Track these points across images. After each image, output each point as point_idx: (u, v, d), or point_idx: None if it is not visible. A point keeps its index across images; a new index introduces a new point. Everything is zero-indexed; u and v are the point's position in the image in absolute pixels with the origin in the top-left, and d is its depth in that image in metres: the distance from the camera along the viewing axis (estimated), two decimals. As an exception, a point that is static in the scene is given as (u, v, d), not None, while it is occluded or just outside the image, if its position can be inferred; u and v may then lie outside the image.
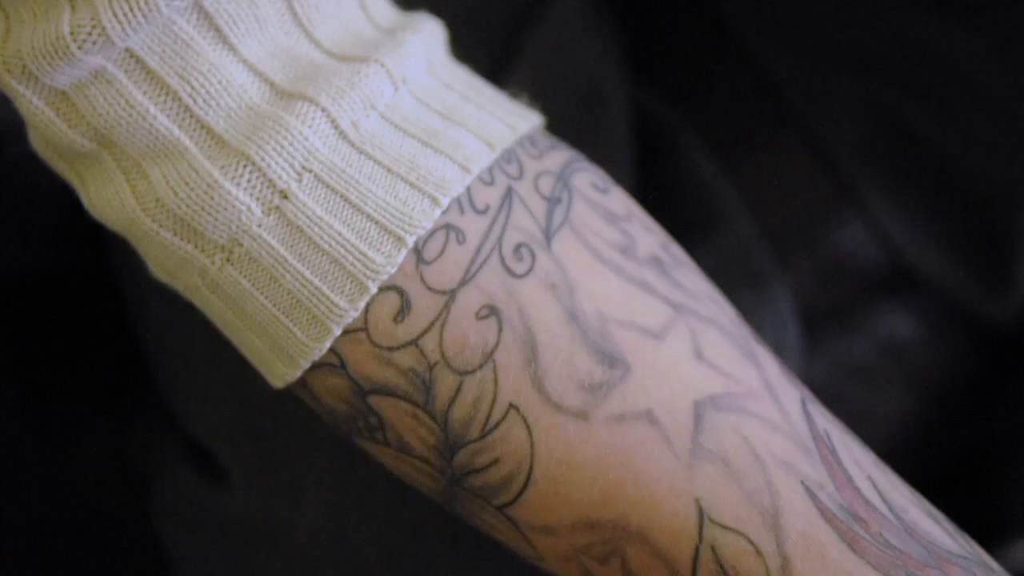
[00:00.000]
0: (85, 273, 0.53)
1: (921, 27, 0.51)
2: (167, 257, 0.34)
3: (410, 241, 0.33)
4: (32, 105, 0.33)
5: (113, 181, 0.34)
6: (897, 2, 0.51)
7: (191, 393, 0.47)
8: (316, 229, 0.33)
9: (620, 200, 0.36)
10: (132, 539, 0.54)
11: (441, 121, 0.35)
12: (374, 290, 0.33)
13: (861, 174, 0.54)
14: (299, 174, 0.33)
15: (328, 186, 0.33)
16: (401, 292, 0.33)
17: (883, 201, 0.54)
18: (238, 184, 0.33)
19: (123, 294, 0.51)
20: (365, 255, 0.33)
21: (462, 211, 0.33)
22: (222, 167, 0.33)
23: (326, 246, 0.33)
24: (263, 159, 0.33)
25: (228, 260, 0.34)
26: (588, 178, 0.36)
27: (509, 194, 0.34)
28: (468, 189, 0.33)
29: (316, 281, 0.33)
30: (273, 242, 0.33)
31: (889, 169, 0.54)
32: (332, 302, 0.33)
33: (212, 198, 0.33)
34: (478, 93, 0.36)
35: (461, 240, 0.33)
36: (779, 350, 0.51)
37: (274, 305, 0.34)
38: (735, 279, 0.52)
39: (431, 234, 0.33)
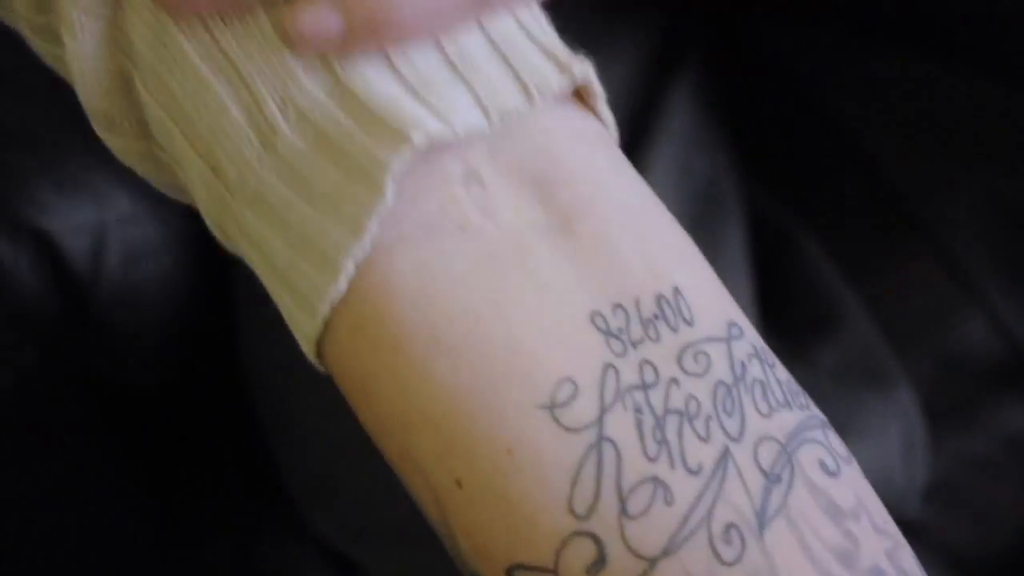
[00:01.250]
0: (209, 381, 0.52)
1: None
2: (208, 196, 0.32)
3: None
4: None
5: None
6: (1011, 91, 0.50)
7: (323, 495, 0.45)
8: (306, 165, 0.30)
9: (850, 487, 0.30)
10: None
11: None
12: (385, 191, 0.29)
13: (981, 269, 0.52)
14: (283, 105, 0.30)
15: (310, 121, 0.30)
16: (599, 542, 0.29)
17: (1003, 294, 0.53)
18: (239, 106, 0.31)
19: (250, 397, 0.50)
20: (369, 150, 0.29)
21: (672, 465, 0.28)
22: (228, 84, 0.31)
23: (318, 184, 0.30)
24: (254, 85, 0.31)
25: (245, 201, 0.31)
26: (817, 455, 0.30)
27: (725, 458, 0.29)
28: (680, 439, 0.29)
29: (318, 216, 0.30)
30: (272, 179, 0.31)
31: (1008, 261, 0.53)
32: (334, 237, 0.30)
33: (221, 123, 0.31)
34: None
35: (669, 500, 0.28)
36: (906, 448, 0.52)
37: (288, 246, 0.31)
38: (857, 379, 0.52)
39: (638, 485, 0.28)
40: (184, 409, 0.54)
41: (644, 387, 0.29)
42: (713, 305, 0.31)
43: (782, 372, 0.31)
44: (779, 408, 0.30)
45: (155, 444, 0.54)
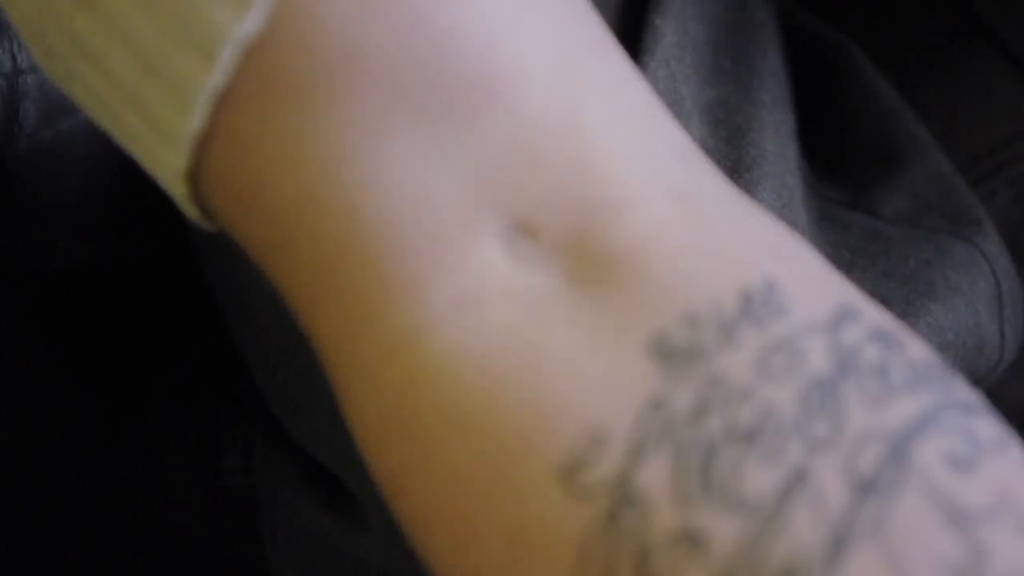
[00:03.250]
0: (156, 262, 0.48)
1: None
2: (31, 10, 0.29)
3: None
4: None
5: None
6: None
7: (310, 408, 0.41)
8: None
9: (991, 481, 0.26)
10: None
11: None
12: None
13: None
14: None
15: None
16: None
17: None
18: None
19: (206, 280, 0.46)
20: None
21: (717, 507, 0.25)
22: None
23: None
24: None
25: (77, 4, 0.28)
26: (945, 445, 0.26)
27: (799, 478, 0.25)
28: (738, 469, 0.25)
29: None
30: None
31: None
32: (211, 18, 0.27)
33: None
34: None
35: (704, 555, 0.25)
36: (997, 302, 0.46)
37: (138, 54, 0.27)
38: (934, 224, 0.46)
39: (665, 545, 0.25)
40: (128, 296, 0.49)
41: (700, 414, 0.26)
42: (817, 288, 0.28)
43: (918, 350, 0.27)
44: (899, 394, 0.26)
45: (96, 339, 0.49)
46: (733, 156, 0.44)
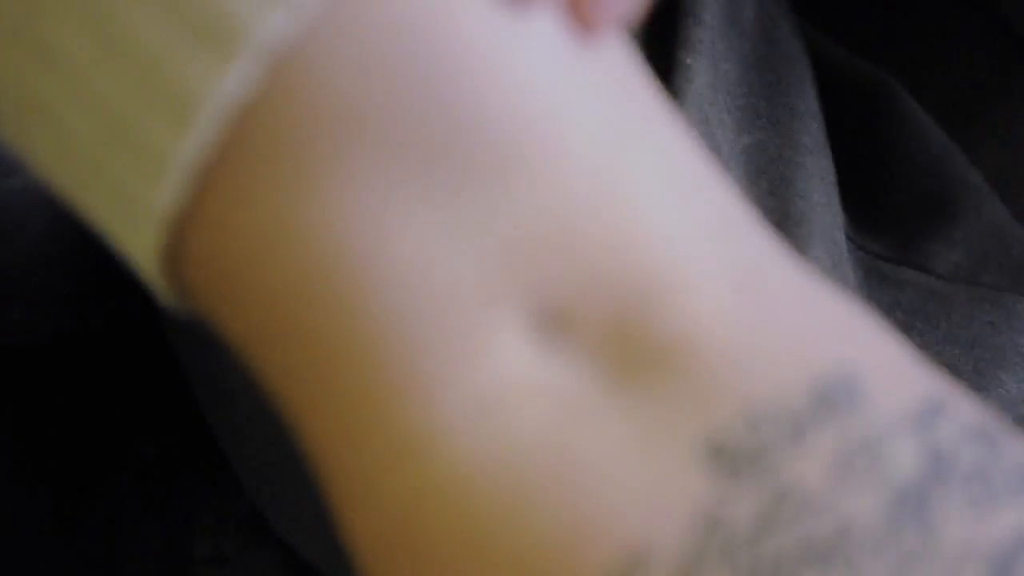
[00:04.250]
0: (121, 332, 0.45)
1: None
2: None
3: None
4: None
5: None
6: None
7: (294, 497, 0.39)
8: None
9: None
10: None
11: None
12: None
13: None
14: None
15: None
16: None
17: None
18: None
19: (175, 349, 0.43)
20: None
21: None
22: None
23: None
24: None
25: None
26: None
27: None
28: None
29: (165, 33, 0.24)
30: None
31: None
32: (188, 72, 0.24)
33: None
34: None
35: None
36: None
37: (103, 117, 0.24)
38: (995, 281, 0.44)
39: None
40: (88, 368, 0.46)
41: (762, 531, 0.24)
42: (898, 380, 0.25)
43: (1018, 449, 0.26)
44: (1002, 503, 0.24)
45: (50, 413, 0.46)
46: (779, 209, 0.42)
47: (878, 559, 0.23)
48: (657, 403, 0.25)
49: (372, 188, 0.24)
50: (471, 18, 0.24)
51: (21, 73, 0.25)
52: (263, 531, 0.42)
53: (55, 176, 0.27)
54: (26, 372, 0.45)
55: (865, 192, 0.46)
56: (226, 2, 0.23)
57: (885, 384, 0.25)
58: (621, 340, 0.25)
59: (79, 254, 0.43)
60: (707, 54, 0.42)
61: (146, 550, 0.47)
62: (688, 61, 0.41)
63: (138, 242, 0.26)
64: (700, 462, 0.24)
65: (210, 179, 0.24)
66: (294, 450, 0.34)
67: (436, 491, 0.24)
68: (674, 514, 0.24)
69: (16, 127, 0.26)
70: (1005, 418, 0.40)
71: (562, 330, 0.25)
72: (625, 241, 0.25)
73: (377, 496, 0.25)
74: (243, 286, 0.25)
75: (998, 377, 0.42)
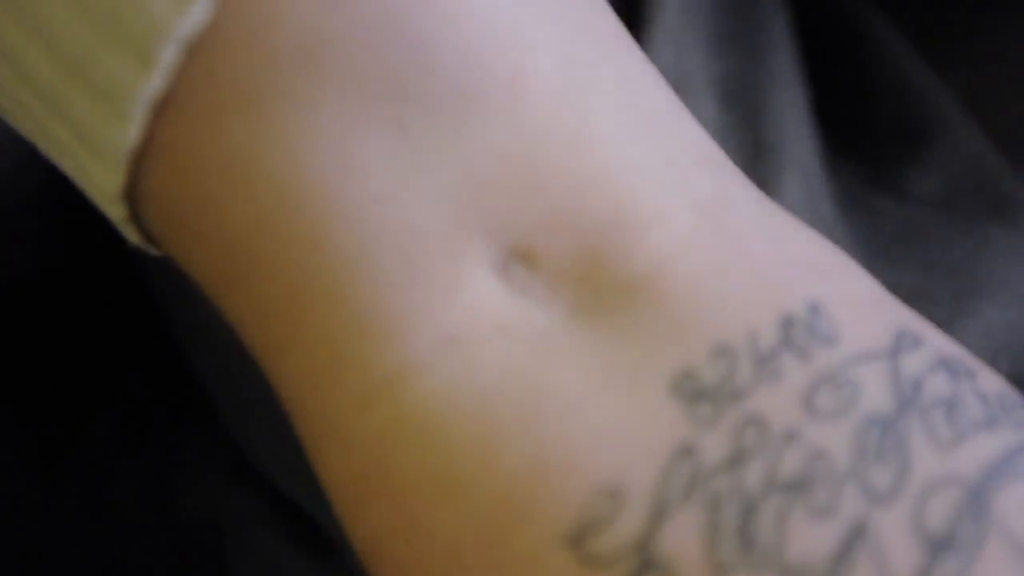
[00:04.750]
0: (93, 267, 0.45)
1: None
2: None
3: None
4: None
5: None
6: None
7: (276, 438, 0.39)
8: None
9: None
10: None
11: None
12: None
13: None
14: None
15: None
16: None
17: None
18: None
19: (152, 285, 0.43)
20: None
21: (747, 562, 0.23)
22: None
23: None
24: None
25: None
26: None
27: (856, 536, 0.23)
28: (782, 527, 0.23)
29: None
30: None
31: None
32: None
33: None
34: None
35: None
36: None
37: (63, 55, 0.24)
38: (971, 209, 0.43)
39: None
40: (63, 312, 0.46)
41: (736, 462, 0.24)
42: (869, 314, 0.26)
43: (990, 382, 0.25)
44: (974, 433, 0.24)
45: (26, 359, 0.46)
46: (753, 138, 0.41)
47: (850, 490, 0.23)
48: (626, 338, 0.25)
49: (334, 119, 0.24)
50: None
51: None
52: (248, 473, 0.42)
53: (16, 117, 0.27)
54: (2, 313, 0.45)
55: (842, 120, 0.45)
56: None
57: (853, 319, 0.25)
58: (588, 276, 0.25)
59: (51, 192, 0.42)
60: None
61: (130, 491, 0.47)
62: None
63: (102, 182, 0.25)
64: (671, 396, 0.24)
65: (168, 114, 0.24)
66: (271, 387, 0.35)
67: (409, 428, 0.24)
68: (646, 449, 0.24)
69: None
70: (984, 346, 0.40)
71: (530, 266, 0.25)
72: (589, 177, 0.25)
73: (350, 436, 0.25)
74: (206, 224, 0.25)
75: (976, 305, 0.41)
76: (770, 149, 0.41)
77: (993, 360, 0.34)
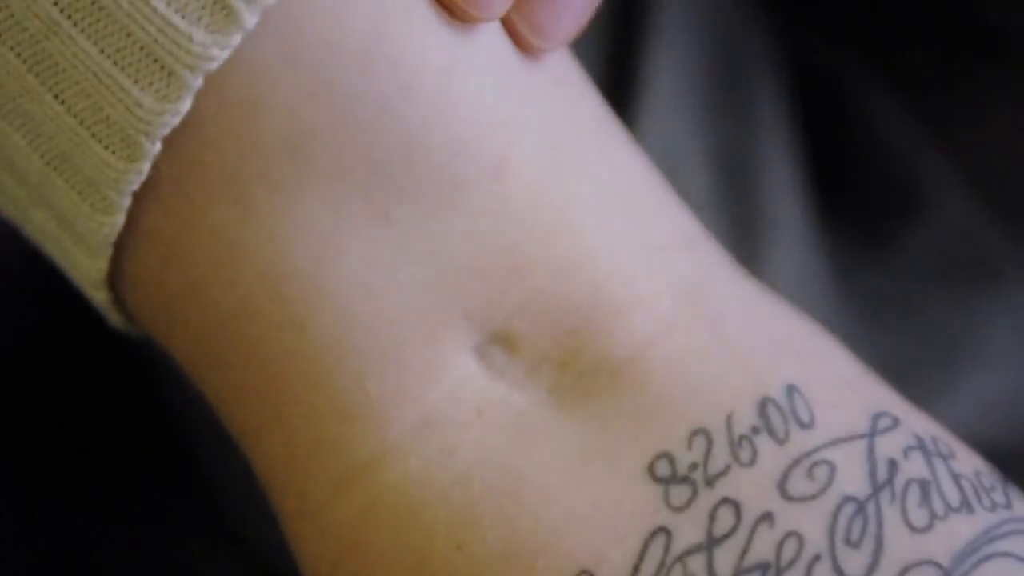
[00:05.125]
0: (85, 335, 0.43)
1: None
2: None
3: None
4: None
5: None
6: None
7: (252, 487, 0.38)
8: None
9: None
10: None
11: None
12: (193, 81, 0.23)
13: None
14: None
15: None
16: None
17: None
18: None
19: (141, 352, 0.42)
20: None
21: None
22: None
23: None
24: None
25: None
26: (1005, 574, 0.24)
27: None
28: None
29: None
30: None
31: None
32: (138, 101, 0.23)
33: None
34: None
35: None
36: None
37: (46, 143, 0.24)
38: (959, 272, 0.43)
39: None
40: (51, 376, 0.46)
41: (710, 545, 0.23)
42: (847, 395, 0.26)
43: (967, 463, 0.26)
44: (950, 514, 0.24)
45: (20, 421, 0.45)
46: (744, 209, 0.41)
47: (819, 571, 0.23)
48: (604, 421, 0.25)
49: (317, 207, 0.24)
50: (419, 39, 0.24)
51: None
52: (234, 538, 0.41)
53: (5, 205, 0.27)
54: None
55: (835, 184, 0.45)
56: (172, 30, 0.23)
57: (830, 401, 0.25)
58: (568, 360, 0.25)
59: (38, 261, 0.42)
60: (669, 54, 0.42)
61: (118, 549, 0.46)
62: (649, 69, 0.41)
63: (84, 268, 0.26)
64: (647, 482, 0.24)
65: (151, 203, 0.24)
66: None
67: (385, 512, 0.24)
68: (621, 533, 0.23)
69: None
70: (975, 414, 0.40)
71: (510, 350, 0.25)
72: (569, 261, 0.25)
73: (327, 520, 0.25)
74: (188, 309, 0.25)
75: (968, 372, 0.41)
76: (763, 219, 0.41)
77: (984, 422, 0.34)
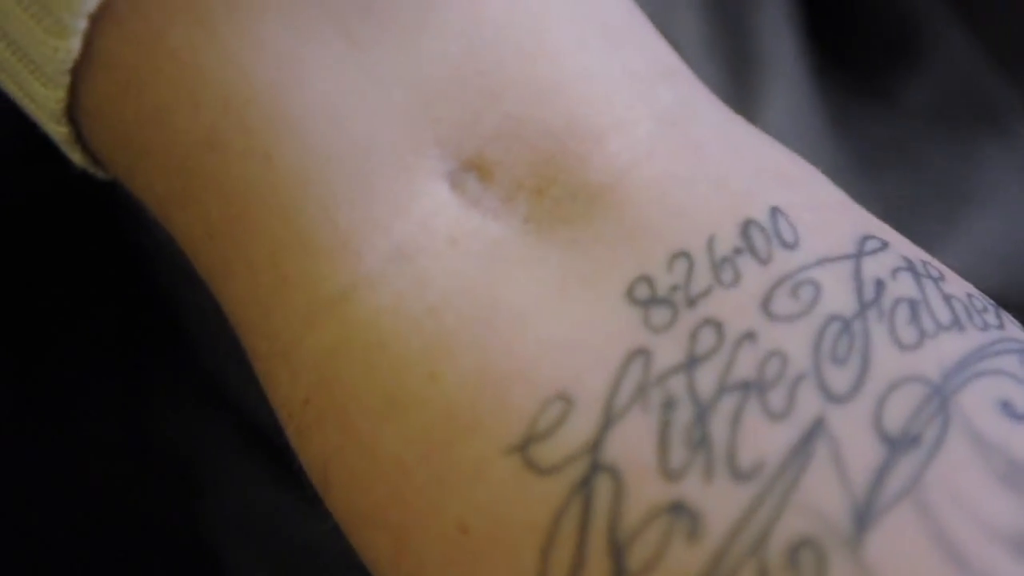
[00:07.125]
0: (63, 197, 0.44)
1: None
2: None
3: None
4: None
5: None
6: None
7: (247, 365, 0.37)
8: None
9: None
10: (169, 552, 0.45)
11: None
12: None
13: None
14: None
15: None
16: None
17: None
18: None
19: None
20: None
21: (710, 475, 0.22)
22: None
23: None
24: None
25: None
26: (998, 392, 0.23)
27: (812, 435, 0.22)
28: (735, 428, 0.22)
29: None
30: None
31: None
32: None
33: None
34: None
35: (696, 533, 0.22)
36: None
37: None
38: (962, 118, 0.43)
39: (647, 523, 0.22)
40: (33, 235, 0.45)
41: (691, 364, 0.23)
42: (833, 219, 0.25)
43: (956, 285, 0.25)
44: (939, 332, 0.24)
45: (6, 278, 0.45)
46: (736, 50, 0.41)
47: (806, 390, 0.22)
48: (582, 247, 0.24)
49: (280, 34, 0.23)
50: None
51: None
52: (220, 402, 0.41)
53: None
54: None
55: (832, 29, 0.45)
56: None
57: (816, 224, 0.25)
58: (543, 186, 0.25)
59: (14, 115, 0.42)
60: None
61: (100, 412, 0.46)
62: None
63: (42, 98, 0.25)
64: (626, 305, 0.24)
65: (109, 27, 0.23)
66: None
67: (357, 345, 0.24)
68: (599, 357, 0.23)
69: None
70: (974, 255, 0.40)
71: (483, 178, 0.25)
72: (545, 85, 0.24)
73: (298, 357, 0.25)
74: (150, 139, 0.24)
75: (967, 215, 0.41)
76: (755, 60, 0.40)
77: (984, 268, 0.33)
